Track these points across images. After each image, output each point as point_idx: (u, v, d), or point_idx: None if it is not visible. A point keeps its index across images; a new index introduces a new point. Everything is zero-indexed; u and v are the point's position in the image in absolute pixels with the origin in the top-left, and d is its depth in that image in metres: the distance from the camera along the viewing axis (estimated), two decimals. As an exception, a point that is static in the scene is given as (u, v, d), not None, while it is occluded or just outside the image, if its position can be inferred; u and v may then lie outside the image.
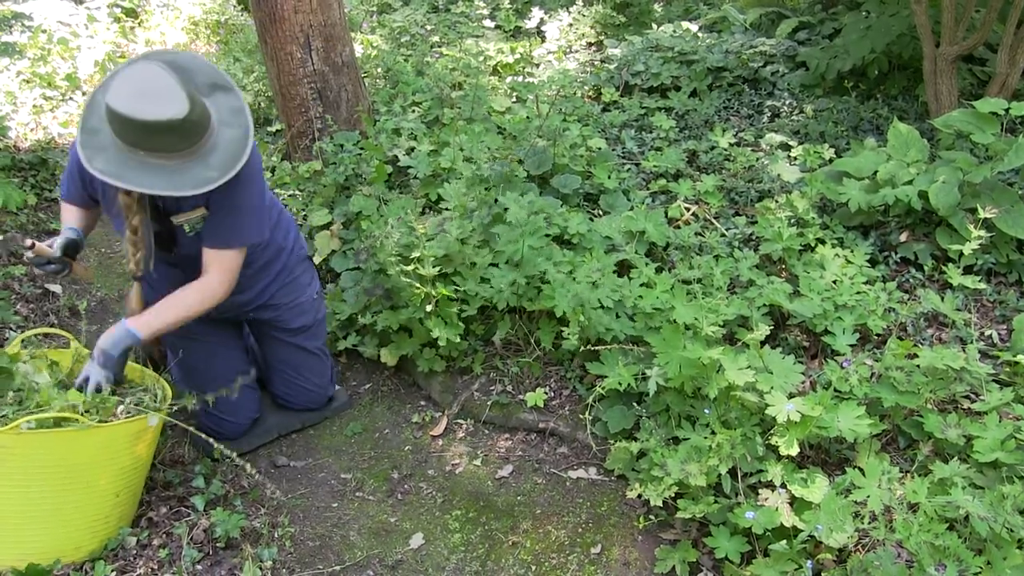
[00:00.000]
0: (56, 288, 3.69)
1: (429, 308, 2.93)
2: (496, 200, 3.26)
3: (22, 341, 2.45)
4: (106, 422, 2.19)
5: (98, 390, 2.22)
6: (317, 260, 3.57)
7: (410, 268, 2.94)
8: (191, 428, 2.49)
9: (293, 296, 2.81)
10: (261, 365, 3.02)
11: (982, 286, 3.00)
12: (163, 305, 2.37)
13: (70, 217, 2.52)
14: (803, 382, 2.79)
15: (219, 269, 2.42)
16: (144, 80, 2.09)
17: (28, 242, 2.32)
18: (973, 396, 2.72)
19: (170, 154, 2.14)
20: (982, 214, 3.05)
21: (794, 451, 2.36)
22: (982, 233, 2.96)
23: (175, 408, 2.37)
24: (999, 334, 3.09)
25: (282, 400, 3.00)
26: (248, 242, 2.47)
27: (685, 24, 5.98)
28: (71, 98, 5.37)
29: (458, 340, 2.99)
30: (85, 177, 2.39)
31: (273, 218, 2.67)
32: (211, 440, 2.42)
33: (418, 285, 2.93)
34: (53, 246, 2.39)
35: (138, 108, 2.06)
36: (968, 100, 4.07)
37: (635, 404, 2.72)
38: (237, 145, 2.24)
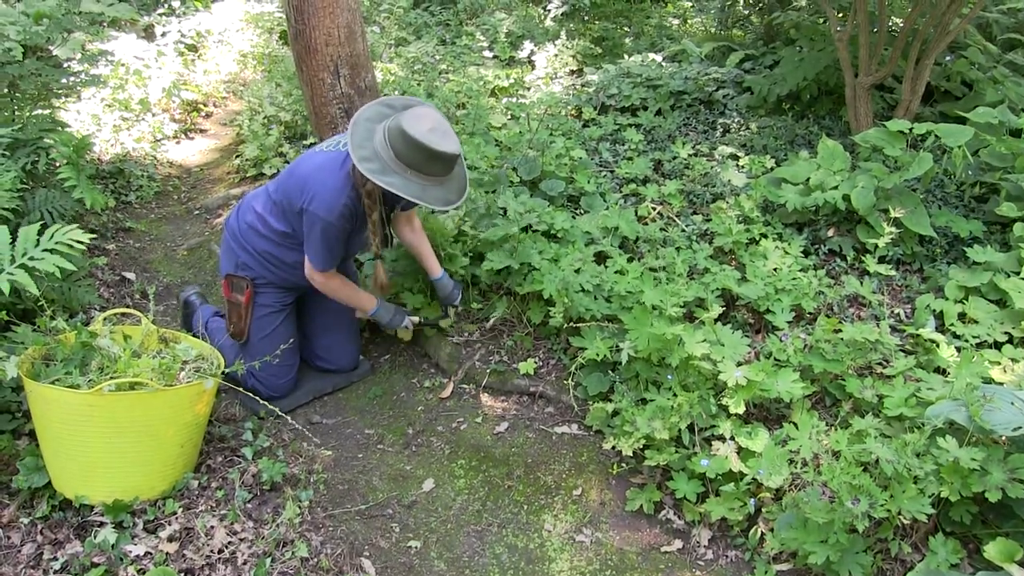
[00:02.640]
0: (131, 275, 3.67)
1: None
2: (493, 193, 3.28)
3: (104, 319, 2.44)
4: (171, 386, 2.18)
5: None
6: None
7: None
8: (241, 390, 2.52)
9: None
10: (304, 342, 3.01)
11: (892, 273, 3.00)
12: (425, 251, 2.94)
13: (360, 289, 2.85)
14: (749, 352, 2.79)
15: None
16: (434, 120, 2.37)
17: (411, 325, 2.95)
18: (885, 363, 2.73)
19: (430, 176, 2.40)
20: (893, 214, 3.05)
21: (741, 409, 2.37)
22: (892, 229, 2.97)
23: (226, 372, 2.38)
24: (905, 312, 3.09)
25: (324, 363, 2.99)
26: None
27: (651, 55, 5.94)
28: (143, 119, 5.32)
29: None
30: (350, 227, 2.57)
31: None
32: (259, 400, 2.52)
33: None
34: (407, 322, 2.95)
35: (435, 140, 2.33)
36: (880, 121, 4.08)
37: (610, 371, 2.72)
38: (464, 179, 2.54)
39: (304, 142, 4.80)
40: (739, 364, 2.48)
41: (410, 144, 2.33)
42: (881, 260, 3.30)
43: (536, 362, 2.96)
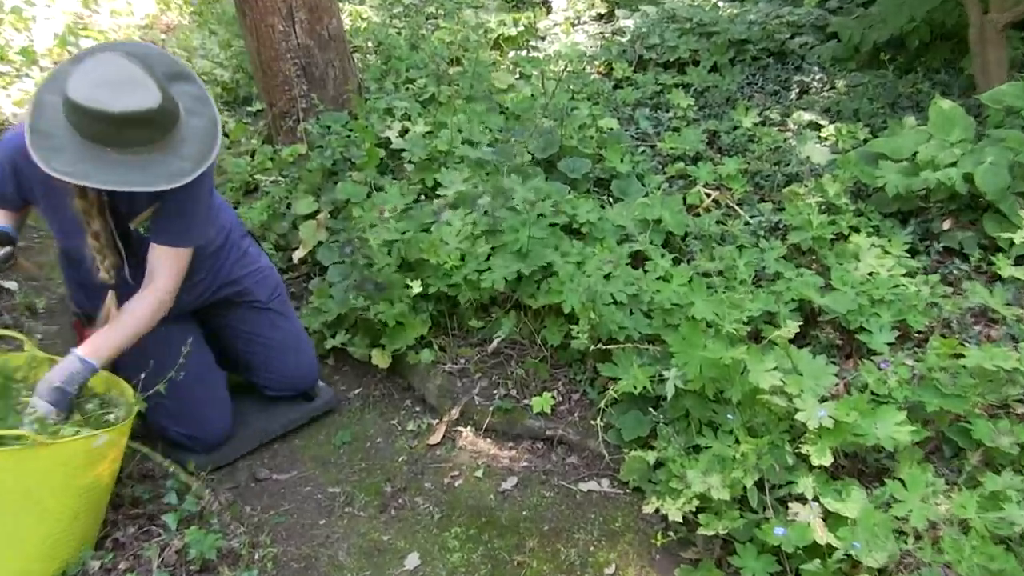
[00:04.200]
0: (11, 284, 3.66)
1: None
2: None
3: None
4: (54, 439, 2.11)
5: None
6: (302, 252, 3.55)
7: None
8: (151, 451, 2.51)
9: (249, 267, 2.91)
10: (239, 362, 2.99)
11: (1033, 278, 2.98)
12: (113, 325, 2.39)
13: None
14: (836, 384, 2.77)
15: (167, 271, 2.47)
16: (108, 71, 2.11)
17: None
18: (1026, 400, 2.69)
19: (140, 148, 2.16)
20: (1034, 199, 3.01)
21: (827, 461, 2.34)
22: (1034, 220, 2.94)
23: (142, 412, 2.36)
24: (1053, 331, 3.06)
25: (273, 390, 2.99)
26: (197, 243, 2.54)
27: (704, -8, 5.96)
28: (27, 74, 5.33)
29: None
30: (23, 183, 2.37)
31: (216, 204, 2.73)
32: (177, 461, 2.54)
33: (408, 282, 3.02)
34: None
35: (106, 100, 2.06)
36: (1020, 72, 4.04)
37: (651, 409, 2.70)
38: (207, 134, 2.29)
39: (248, 108, 4.81)
40: (823, 400, 2.47)
41: (75, 112, 2.09)
42: (1019, 261, 3.28)
43: (554, 397, 2.95)
